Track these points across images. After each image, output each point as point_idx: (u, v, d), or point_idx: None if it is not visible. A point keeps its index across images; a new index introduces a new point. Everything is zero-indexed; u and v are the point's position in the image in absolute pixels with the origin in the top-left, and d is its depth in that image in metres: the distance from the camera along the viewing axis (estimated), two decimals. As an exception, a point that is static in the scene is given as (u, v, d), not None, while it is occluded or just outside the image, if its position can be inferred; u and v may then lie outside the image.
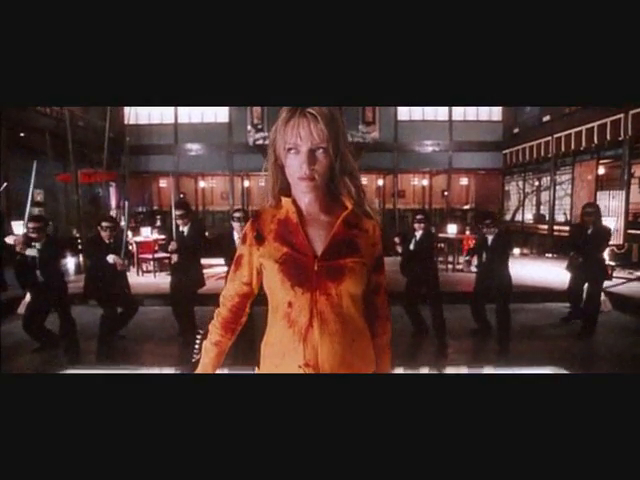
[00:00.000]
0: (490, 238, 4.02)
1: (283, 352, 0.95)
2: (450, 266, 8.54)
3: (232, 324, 1.09)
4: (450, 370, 2.74)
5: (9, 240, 3.04)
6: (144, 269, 8.05)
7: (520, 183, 13.72)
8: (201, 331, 1.19)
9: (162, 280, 6.64)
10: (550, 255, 10.37)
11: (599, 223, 4.03)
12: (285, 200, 1.01)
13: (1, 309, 3.79)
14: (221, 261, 4.53)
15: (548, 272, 7.67)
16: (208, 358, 1.08)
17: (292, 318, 0.94)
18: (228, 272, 1.20)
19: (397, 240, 4.27)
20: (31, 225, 3.22)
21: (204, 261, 4.37)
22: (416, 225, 4.24)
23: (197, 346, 1.15)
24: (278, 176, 1.01)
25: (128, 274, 4.11)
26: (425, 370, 2.72)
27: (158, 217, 13.21)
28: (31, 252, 3.09)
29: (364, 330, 1.02)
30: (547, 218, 11.83)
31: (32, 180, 3.38)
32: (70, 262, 7.30)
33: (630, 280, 6.67)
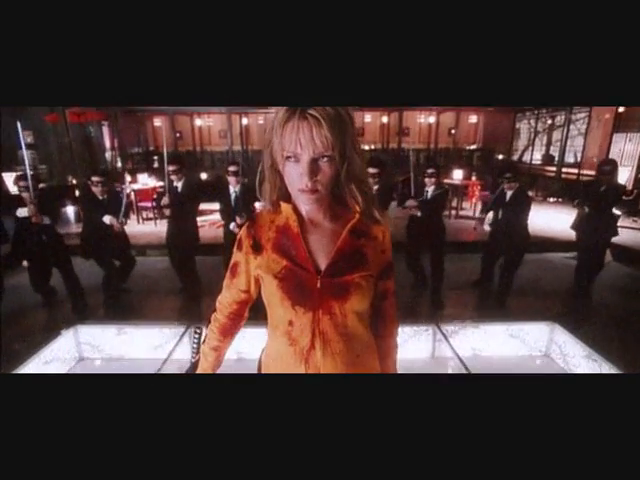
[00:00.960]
0: (509, 194, 3.68)
1: (284, 369, 0.93)
2: (453, 212, 8.42)
3: (231, 330, 1.06)
4: (446, 324, 2.80)
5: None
6: (144, 217, 7.98)
7: (532, 121, 13.00)
8: (198, 330, 1.17)
9: (163, 228, 6.64)
10: (554, 200, 10.18)
11: (615, 181, 3.80)
12: (285, 206, 0.91)
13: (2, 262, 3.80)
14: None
15: (551, 219, 7.58)
16: (207, 363, 1.07)
17: (293, 337, 0.90)
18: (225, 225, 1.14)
19: (411, 203, 3.83)
20: (21, 184, 3.10)
21: (204, 206, 4.26)
22: (427, 180, 3.84)
23: (195, 345, 1.14)
24: (276, 182, 0.89)
25: (128, 221, 4.08)
26: (422, 324, 2.78)
27: (155, 158, 12.81)
28: (22, 213, 3.01)
29: (369, 343, 0.98)
30: (557, 159, 11.40)
31: (22, 142, 3.16)
32: (70, 211, 7.23)
33: (635, 229, 6.61)
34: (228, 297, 1.03)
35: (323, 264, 0.88)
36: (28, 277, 3.33)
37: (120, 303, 3.76)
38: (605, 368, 2.23)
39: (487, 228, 3.80)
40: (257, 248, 0.92)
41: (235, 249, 0.98)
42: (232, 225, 3.56)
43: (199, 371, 1.09)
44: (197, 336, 1.13)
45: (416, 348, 2.79)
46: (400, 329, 2.76)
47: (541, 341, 2.78)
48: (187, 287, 3.90)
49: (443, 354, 2.69)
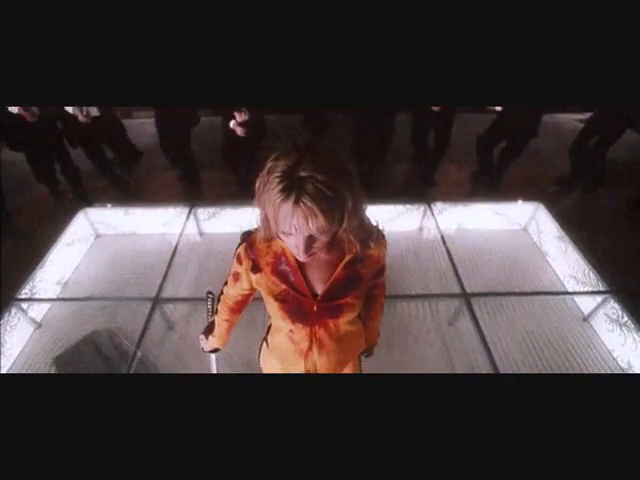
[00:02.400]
0: None
1: (286, 359, 1.09)
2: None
3: (238, 309, 1.16)
4: (436, 202, 2.92)
5: None
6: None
7: None
8: (210, 295, 1.28)
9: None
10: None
11: None
12: (280, 242, 0.87)
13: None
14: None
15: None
16: (222, 329, 1.22)
17: (294, 339, 1.02)
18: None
19: None
20: None
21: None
22: None
23: (209, 306, 1.27)
24: (269, 228, 0.80)
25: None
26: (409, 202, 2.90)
27: None
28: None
29: (358, 331, 1.11)
30: None
31: None
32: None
33: None
34: (232, 293, 1.09)
35: (320, 289, 0.92)
36: (31, 169, 3.14)
37: (120, 188, 3.67)
38: (570, 248, 2.50)
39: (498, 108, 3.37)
40: (256, 270, 0.94)
41: (235, 261, 0.99)
42: (232, 123, 3.15)
43: (215, 334, 1.24)
44: (210, 300, 1.25)
45: (406, 223, 3.01)
46: (392, 206, 2.89)
47: (523, 218, 2.98)
48: (185, 176, 3.66)
49: (430, 228, 2.90)
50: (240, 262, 0.97)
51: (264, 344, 1.20)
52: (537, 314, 2.39)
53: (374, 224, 0.94)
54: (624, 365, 2.08)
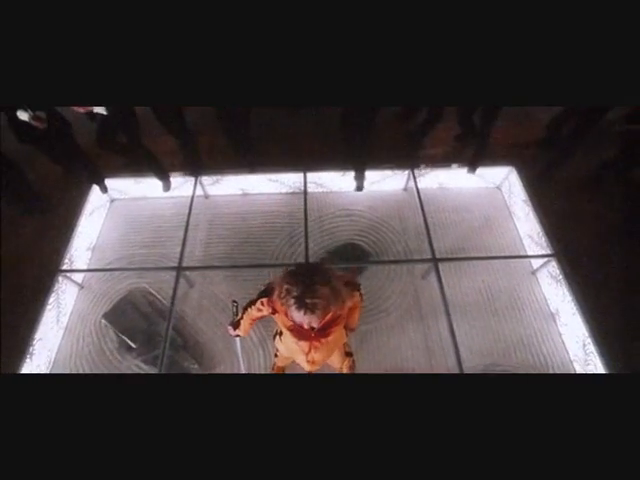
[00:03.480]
0: None
1: (293, 352, 1.62)
2: None
3: (257, 321, 1.63)
4: (420, 169, 3.16)
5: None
6: None
7: None
8: (235, 303, 1.69)
9: None
10: None
11: None
12: None
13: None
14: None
15: None
16: (244, 328, 1.67)
17: (298, 344, 1.50)
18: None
19: None
20: None
21: None
22: None
23: (234, 311, 1.69)
24: (286, 307, 1.29)
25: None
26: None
27: None
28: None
29: (341, 332, 1.60)
30: None
31: None
32: None
33: None
34: (255, 315, 1.53)
35: (315, 325, 1.33)
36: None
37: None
38: (532, 211, 2.88)
39: None
40: (274, 312, 1.44)
41: (259, 304, 1.46)
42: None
43: (240, 330, 1.68)
44: (235, 307, 1.67)
45: (392, 184, 3.31)
46: (380, 172, 3.12)
47: (498, 178, 3.29)
48: (181, 141, 3.45)
49: (414, 189, 3.20)
50: (262, 306, 1.45)
51: (277, 337, 1.70)
52: (495, 267, 2.87)
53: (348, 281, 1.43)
54: (553, 311, 2.65)
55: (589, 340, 2.32)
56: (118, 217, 3.26)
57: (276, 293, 1.30)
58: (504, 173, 3.23)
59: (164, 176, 3.11)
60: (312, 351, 1.51)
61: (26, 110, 2.26)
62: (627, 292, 2.53)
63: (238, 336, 1.75)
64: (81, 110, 2.40)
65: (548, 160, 3.04)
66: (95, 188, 3.08)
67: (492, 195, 3.34)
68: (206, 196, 3.31)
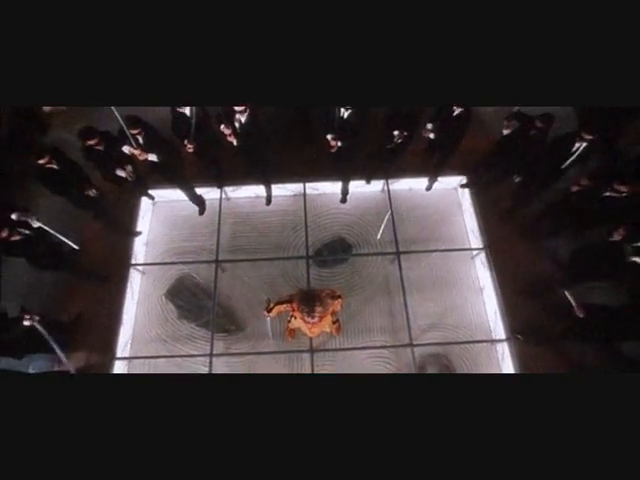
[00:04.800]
0: None
1: (301, 327, 2.70)
2: None
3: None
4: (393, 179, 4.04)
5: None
6: None
7: None
8: (268, 298, 2.72)
9: None
10: None
11: None
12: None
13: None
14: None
15: None
16: (276, 312, 2.64)
17: (304, 325, 2.57)
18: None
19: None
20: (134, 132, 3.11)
21: None
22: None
23: (267, 302, 2.68)
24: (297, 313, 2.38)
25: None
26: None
27: None
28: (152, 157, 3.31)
29: (330, 316, 2.67)
30: None
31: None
32: None
33: None
34: (281, 308, 2.53)
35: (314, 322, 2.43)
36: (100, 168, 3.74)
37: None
38: (474, 217, 3.86)
39: None
40: (293, 310, 2.50)
41: (287, 306, 2.48)
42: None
43: (272, 313, 2.63)
44: (267, 301, 2.68)
45: (372, 187, 4.24)
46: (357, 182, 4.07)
47: (454, 182, 4.21)
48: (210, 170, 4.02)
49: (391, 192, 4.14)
50: (289, 307, 2.51)
51: (292, 318, 2.79)
52: (445, 253, 3.89)
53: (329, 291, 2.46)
54: (481, 286, 3.75)
55: (498, 308, 3.46)
56: (161, 217, 4.23)
57: (294, 304, 2.36)
58: (459, 179, 4.15)
59: (201, 202, 4.06)
60: (311, 328, 2.62)
61: (131, 145, 3.13)
62: (531, 278, 3.60)
63: (269, 317, 2.84)
64: (139, 156, 3.28)
65: (491, 173, 3.93)
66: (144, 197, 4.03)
67: (450, 195, 4.29)
68: (227, 198, 4.25)
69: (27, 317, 2.80)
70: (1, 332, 2.89)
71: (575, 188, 2.97)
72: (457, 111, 3.28)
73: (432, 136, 3.48)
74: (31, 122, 4.43)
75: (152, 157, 3.30)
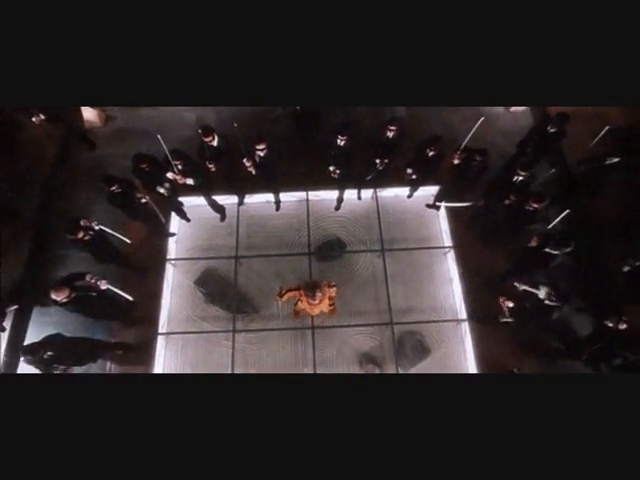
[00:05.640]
0: None
1: (305, 308, 3.58)
2: None
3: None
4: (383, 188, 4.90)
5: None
6: None
7: None
8: (281, 287, 3.61)
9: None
10: None
11: None
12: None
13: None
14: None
15: None
16: (286, 298, 3.54)
17: (307, 306, 3.46)
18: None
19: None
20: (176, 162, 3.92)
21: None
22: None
23: (280, 290, 3.60)
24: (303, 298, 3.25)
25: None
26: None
27: None
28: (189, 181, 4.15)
29: (327, 299, 3.55)
30: None
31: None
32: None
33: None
34: (290, 294, 3.42)
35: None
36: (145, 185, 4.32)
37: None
38: (445, 220, 4.70)
39: None
40: (300, 296, 3.38)
41: (296, 293, 3.36)
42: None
43: (284, 299, 3.53)
44: (280, 289, 3.56)
45: (364, 194, 5.06)
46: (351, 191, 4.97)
47: (433, 190, 5.02)
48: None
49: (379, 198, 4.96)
50: (297, 293, 3.41)
51: (298, 302, 3.67)
52: (422, 250, 4.75)
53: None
54: (451, 277, 4.62)
55: (462, 295, 4.33)
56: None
57: (300, 291, 3.24)
58: (436, 187, 4.98)
59: (221, 210, 4.93)
60: (313, 308, 3.50)
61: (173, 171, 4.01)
62: (487, 272, 4.46)
63: (281, 301, 3.69)
64: (179, 181, 4.14)
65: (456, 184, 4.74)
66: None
67: (428, 202, 5.12)
68: (241, 204, 5.08)
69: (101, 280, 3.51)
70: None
71: (507, 202, 3.87)
72: (431, 153, 4.14)
73: (413, 177, 4.44)
74: (82, 141, 5.27)
75: (189, 181, 4.16)
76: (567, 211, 3.65)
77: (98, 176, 4.01)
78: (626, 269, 3.85)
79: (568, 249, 3.50)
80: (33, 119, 4.39)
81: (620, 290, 4.02)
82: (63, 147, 5.21)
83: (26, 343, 3.93)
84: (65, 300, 3.20)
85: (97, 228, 3.88)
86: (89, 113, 5.34)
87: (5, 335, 4.09)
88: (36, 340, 3.36)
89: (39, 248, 4.69)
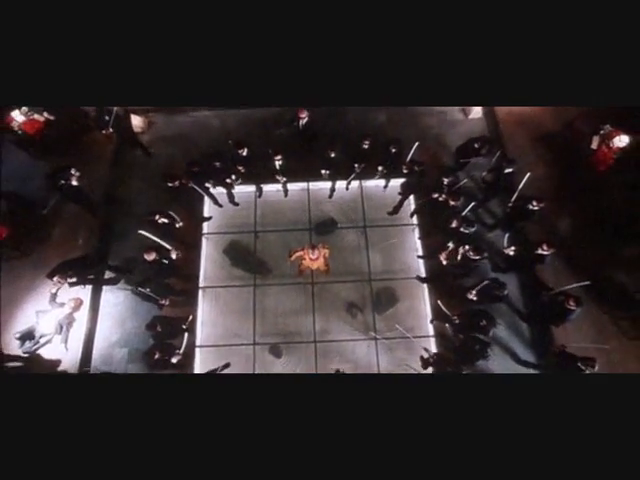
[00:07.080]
0: None
1: (308, 264, 5.18)
2: None
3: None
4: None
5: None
6: None
7: None
8: (290, 253, 5.15)
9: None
10: None
11: None
12: None
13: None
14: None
15: None
16: (294, 258, 5.12)
17: (309, 262, 5.07)
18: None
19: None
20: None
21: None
22: None
23: (289, 254, 5.14)
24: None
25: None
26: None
27: None
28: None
29: (323, 258, 5.13)
30: None
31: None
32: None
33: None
34: (298, 254, 5.06)
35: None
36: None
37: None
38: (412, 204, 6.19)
39: None
40: (305, 253, 4.96)
41: (302, 252, 4.99)
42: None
43: (292, 258, 5.16)
44: (289, 253, 5.08)
45: (353, 184, 6.54)
46: (341, 182, 6.55)
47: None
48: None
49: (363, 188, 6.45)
50: (303, 252, 5.01)
51: (302, 262, 5.25)
52: (397, 230, 6.24)
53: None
54: (416, 247, 6.13)
55: (423, 260, 5.85)
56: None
57: (305, 251, 4.79)
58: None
59: (217, 202, 6.42)
60: (313, 263, 5.05)
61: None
62: (439, 244, 5.95)
63: (290, 261, 5.21)
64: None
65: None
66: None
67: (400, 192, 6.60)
68: (260, 196, 6.55)
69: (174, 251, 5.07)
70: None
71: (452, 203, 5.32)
72: (393, 150, 5.66)
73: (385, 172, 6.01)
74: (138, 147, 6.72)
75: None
76: (473, 203, 5.44)
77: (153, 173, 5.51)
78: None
79: (473, 229, 5.06)
80: (103, 132, 5.84)
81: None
82: (118, 148, 6.68)
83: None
84: (152, 259, 4.79)
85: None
86: (136, 120, 6.77)
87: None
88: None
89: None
